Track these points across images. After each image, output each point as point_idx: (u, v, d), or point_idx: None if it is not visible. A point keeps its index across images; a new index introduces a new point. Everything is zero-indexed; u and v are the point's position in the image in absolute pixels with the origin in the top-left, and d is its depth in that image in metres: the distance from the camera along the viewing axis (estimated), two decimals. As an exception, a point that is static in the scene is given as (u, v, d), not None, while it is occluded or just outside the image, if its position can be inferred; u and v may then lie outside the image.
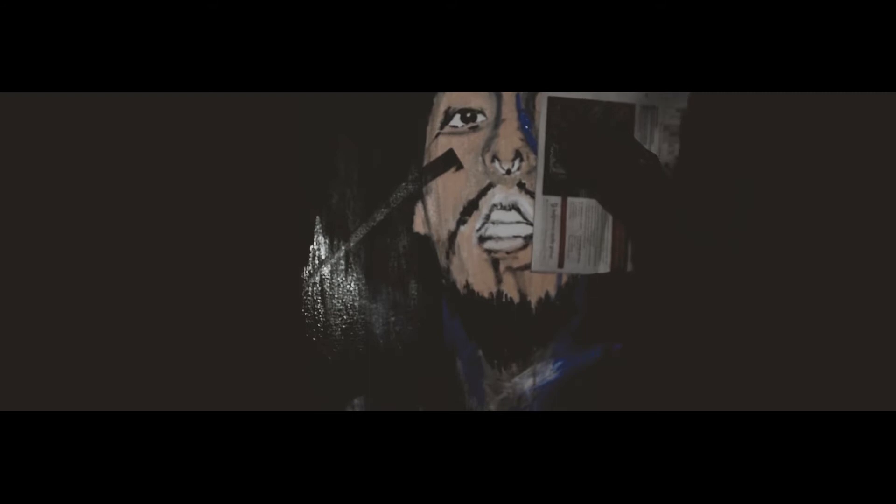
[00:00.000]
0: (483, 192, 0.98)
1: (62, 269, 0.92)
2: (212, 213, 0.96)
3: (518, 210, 0.98)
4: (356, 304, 0.99)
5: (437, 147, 0.99)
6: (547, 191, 0.97)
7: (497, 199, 0.98)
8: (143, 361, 0.93)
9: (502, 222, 0.98)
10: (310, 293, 0.99)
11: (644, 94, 0.94)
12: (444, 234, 0.99)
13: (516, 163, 0.97)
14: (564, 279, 1.00)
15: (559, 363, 1.01)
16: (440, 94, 0.99)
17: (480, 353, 1.01)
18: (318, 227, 0.98)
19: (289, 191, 0.97)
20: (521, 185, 0.98)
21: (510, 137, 0.97)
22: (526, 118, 0.98)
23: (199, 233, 0.96)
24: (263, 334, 0.96)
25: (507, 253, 0.99)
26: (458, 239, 0.99)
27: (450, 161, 0.98)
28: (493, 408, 1.00)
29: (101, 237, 0.93)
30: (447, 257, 0.99)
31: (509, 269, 0.99)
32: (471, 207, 0.98)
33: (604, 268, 0.98)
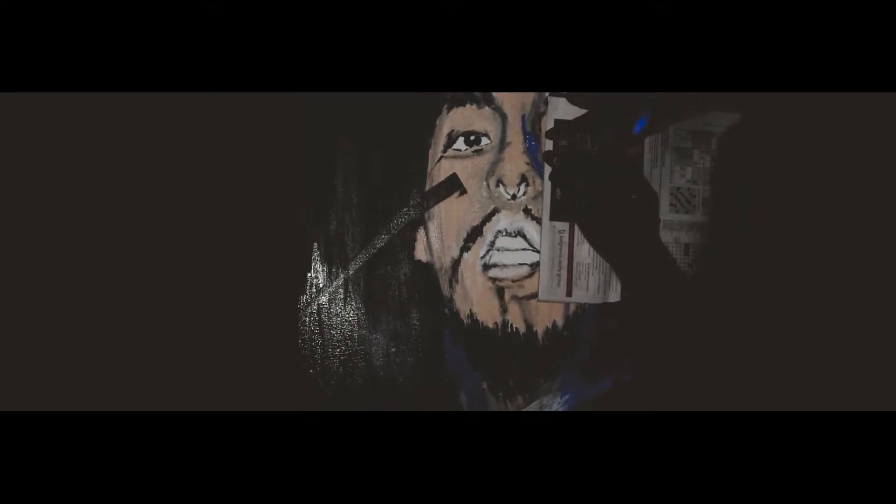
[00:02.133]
0: (487, 218, 0.96)
1: (57, 270, 0.91)
2: (203, 239, 0.94)
3: (524, 237, 0.95)
4: (355, 334, 0.97)
5: (440, 171, 0.97)
6: (554, 216, 0.94)
7: (502, 225, 0.95)
8: (134, 383, 0.92)
9: (507, 249, 0.95)
10: (307, 323, 0.96)
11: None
12: (447, 262, 0.97)
13: (522, 187, 0.94)
14: (572, 308, 0.97)
15: (567, 396, 0.98)
16: (443, 115, 0.96)
17: (485, 385, 0.98)
18: (315, 254, 0.96)
19: (286, 216, 0.95)
20: (526, 211, 0.95)
21: (515, 161, 0.95)
22: (532, 141, 0.95)
23: (189, 259, 0.93)
24: (258, 366, 0.93)
25: (513, 281, 0.96)
26: (462, 267, 0.96)
27: (453, 185, 0.96)
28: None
29: (94, 240, 0.92)
30: (450, 286, 0.97)
31: (515, 297, 0.96)
32: (475, 234, 0.96)
33: (614, 297, 0.94)
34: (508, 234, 0.95)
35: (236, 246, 0.94)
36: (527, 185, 0.94)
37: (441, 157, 0.96)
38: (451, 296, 0.97)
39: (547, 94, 0.94)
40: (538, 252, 0.94)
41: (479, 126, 0.96)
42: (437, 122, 0.96)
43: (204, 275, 0.93)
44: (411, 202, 0.97)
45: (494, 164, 0.95)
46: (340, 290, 0.96)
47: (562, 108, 0.92)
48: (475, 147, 0.96)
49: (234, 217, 0.94)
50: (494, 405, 0.97)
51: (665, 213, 0.95)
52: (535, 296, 0.94)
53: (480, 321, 0.96)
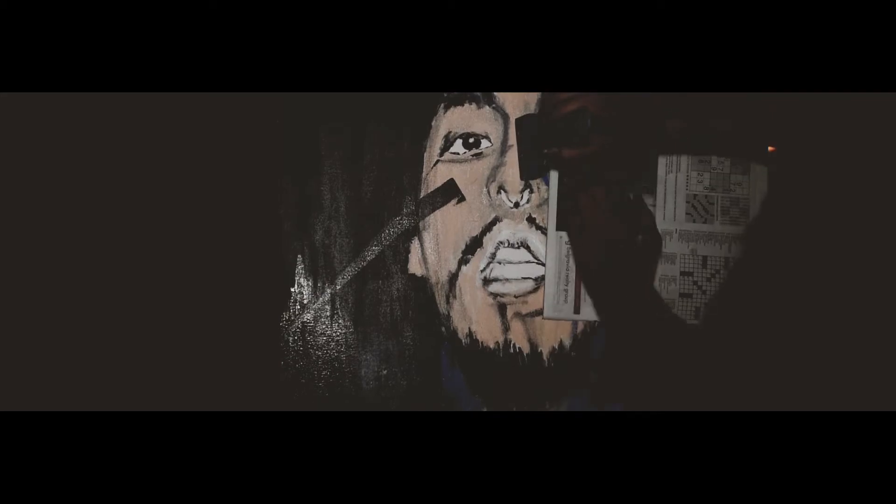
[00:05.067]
0: (488, 228, 0.91)
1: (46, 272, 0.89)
2: (174, 250, 0.89)
3: (527, 248, 0.91)
4: (343, 355, 0.91)
5: (436, 176, 0.91)
6: (560, 226, 0.89)
7: (504, 235, 0.91)
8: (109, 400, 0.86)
9: (510, 262, 0.91)
10: (289, 343, 0.90)
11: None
12: (444, 276, 0.91)
13: (525, 194, 0.90)
14: (580, 327, 0.91)
15: (575, 422, 0.91)
16: (439, 116, 0.92)
17: (485, 410, 0.91)
18: (299, 266, 0.91)
19: (267, 224, 0.90)
20: (530, 220, 0.91)
21: (518, 166, 0.89)
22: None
23: (159, 272, 0.89)
24: (235, 389, 0.88)
25: (516, 297, 0.91)
26: (460, 281, 0.91)
27: (450, 192, 0.91)
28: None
29: (89, 241, 0.89)
30: (447, 302, 0.91)
31: (518, 315, 0.91)
32: (474, 245, 0.91)
33: (626, 314, 0.88)
34: (511, 246, 0.91)
35: (212, 257, 0.89)
36: (531, 191, 0.90)
37: (437, 161, 0.91)
38: (449, 313, 0.91)
39: None
40: (543, 265, 0.90)
41: (478, 127, 0.91)
42: (433, 122, 0.92)
43: (176, 288, 0.89)
44: (404, 210, 0.91)
45: (496, 169, 0.91)
46: (327, 306, 0.91)
47: None
48: (474, 150, 0.91)
49: (209, 225, 0.89)
50: (495, 432, 0.91)
51: (681, 222, 0.91)
52: (539, 313, 0.90)
53: (480, 341, 0.91)
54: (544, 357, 0.90)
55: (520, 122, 0.87)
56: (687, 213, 0.90)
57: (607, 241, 0.81)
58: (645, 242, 0.84)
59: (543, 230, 0.90)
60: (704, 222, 0.90)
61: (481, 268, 0.90)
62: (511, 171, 0.89)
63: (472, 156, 0.90)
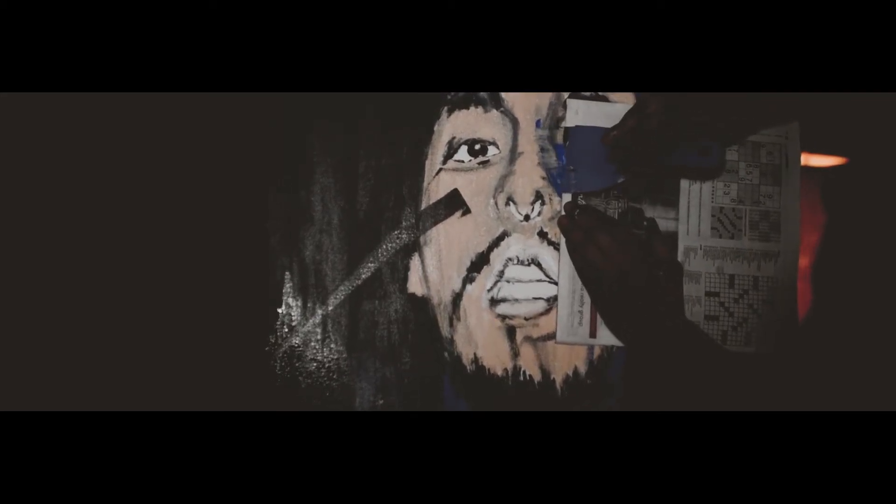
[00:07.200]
0: (495, 243, 0.87)
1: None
2: (154, 262, 0.85)
3: (539, 265, 0.87)
4: (335, 383, 0.87)
5: (439, 186, 0.88)
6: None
7: (513, 251, 0.87)
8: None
9: (519, 281, 0.87)
10: (277, 369, 0.86)
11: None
12: (447, 296, 0.87)
13: (536, 206, 0.87)
14: (597, 352, 0.87)
15: (589, 456, 0.86)
16: (442, 120, 0.88)
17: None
18: (287, 285, 0.87)
19: (252, 238, 0.87)
20: (542, 235, 0.87)
21: (529, 175, 0.87)
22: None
23: (134, 291, 0.85)
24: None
25: (526, 319, 0.87)
26: (465, 301, 0.87)
27: (454, 204, 0.87)
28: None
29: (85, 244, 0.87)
30: (450, 324, 0.87)
31: (528, 339, 0.87)
32: (480, 262, 0.87)
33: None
34: (520, 263, 0.87)
35: (191, 273, 0.85)
36: (542, 203, 0.87)
37: (440, 170, 0.88)
38: (452, 336, 0.87)
39: (566, 96, 0.88)
40: (556, 284, 0.87)
41: (485, 133, 0.87)
42: (436, 127, 0.88)
43: (152, 306, 0.85)
44: (404, 223, 0.88)
45: (504, 179, 0.87)
46: (317, 329, 0.87)
47: (582, 113, 0.87)
48: (481, 158, 0.88)
49: (187, 238, 0.86)
50: (502, 467, 0.87)
51: (706, 237, 0.88)
52: (552, 336, 0.87)
53: (487, 367, 0.87)
54: (557, 385, 0.86)
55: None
56: (712, 228, 0.87)
57: (627, 286, 0.79)
58: (667, 275, 0.81)
59: (556, 245, 0.86)
60: (731, 238, 0.87)
61: (488, 287, 0.86)
62: (521, 180, 0.86)
63: (479, 164, 0.87)
